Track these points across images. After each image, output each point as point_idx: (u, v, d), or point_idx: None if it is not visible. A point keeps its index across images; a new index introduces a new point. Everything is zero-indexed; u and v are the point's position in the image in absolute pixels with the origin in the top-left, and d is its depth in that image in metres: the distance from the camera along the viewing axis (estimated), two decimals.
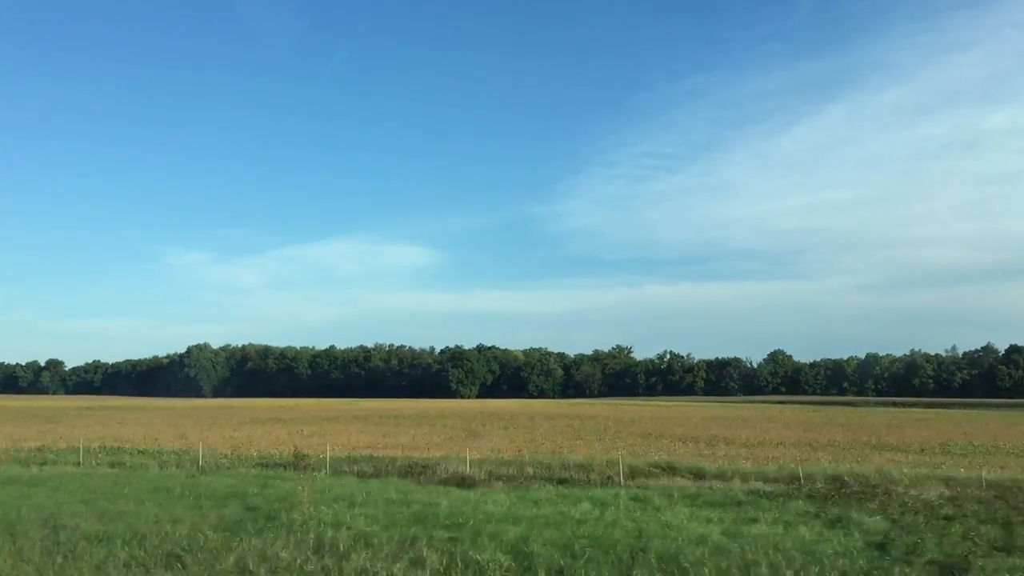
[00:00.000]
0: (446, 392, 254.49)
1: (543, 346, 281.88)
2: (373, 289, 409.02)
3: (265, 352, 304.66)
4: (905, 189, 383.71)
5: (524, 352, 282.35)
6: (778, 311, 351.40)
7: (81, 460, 35.27)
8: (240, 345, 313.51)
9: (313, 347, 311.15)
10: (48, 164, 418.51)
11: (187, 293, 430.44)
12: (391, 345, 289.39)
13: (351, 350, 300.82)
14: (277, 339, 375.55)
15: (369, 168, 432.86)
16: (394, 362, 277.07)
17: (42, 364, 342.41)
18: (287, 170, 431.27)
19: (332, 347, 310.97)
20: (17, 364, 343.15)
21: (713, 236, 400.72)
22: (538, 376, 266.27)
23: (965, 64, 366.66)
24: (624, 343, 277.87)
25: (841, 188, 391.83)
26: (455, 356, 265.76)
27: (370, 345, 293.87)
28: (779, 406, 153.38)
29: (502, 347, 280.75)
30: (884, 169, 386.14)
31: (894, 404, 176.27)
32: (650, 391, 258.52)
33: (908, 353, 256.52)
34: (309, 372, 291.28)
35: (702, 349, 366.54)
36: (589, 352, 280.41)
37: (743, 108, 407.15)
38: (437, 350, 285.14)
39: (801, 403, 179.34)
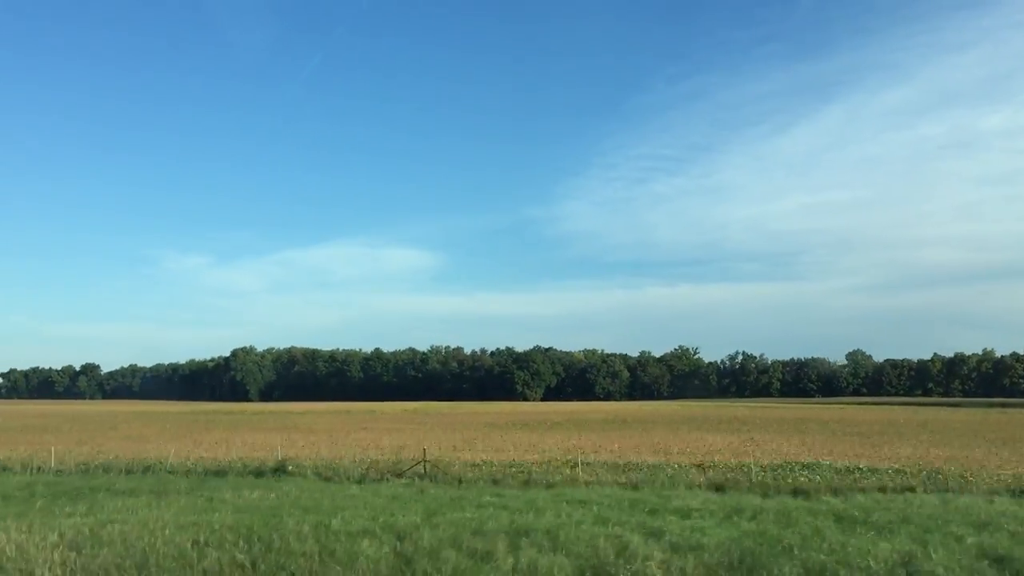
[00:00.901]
0: (510, 394, 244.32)
1: (552, 346, 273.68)
2: (372, 292, 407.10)
3: (313, 355, 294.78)
4: (904, 190, 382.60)
5: (585, 353, 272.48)
6: (777, 312, 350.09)
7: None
8: (286, 348, 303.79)
9: (360, 349, 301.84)
10: (47, 169, 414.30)
11: (186, 297, 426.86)
12: (447, 347, 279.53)
13: (401, 352, 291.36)
14: (277, 342, 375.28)
15: (367, 172, 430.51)
16: (453, 364, 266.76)
17: (77, 368, 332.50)
18: (285, 174, 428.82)
19: (377, 349, 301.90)
20: (52, 369, 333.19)
21: (712, 238, 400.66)
22: (604, 378, 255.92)
23: (963, 65, 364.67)
24: (630, 344, 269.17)
25: (840, 189, 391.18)
26: (519, 358, 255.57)
27: (424, 348, 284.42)
28: (899, 408, 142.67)
29: (561, 349, 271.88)
30: (883, 170, 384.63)
31: (1003, 405, 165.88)
32: (723, 393, 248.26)
33: (984, 352, 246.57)
34: (361, 375, 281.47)
35: (710, 351, 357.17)
36: (622, 353, 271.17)
37: (742, 110, 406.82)
38: (489, 351, 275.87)
39: (915, 404, 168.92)
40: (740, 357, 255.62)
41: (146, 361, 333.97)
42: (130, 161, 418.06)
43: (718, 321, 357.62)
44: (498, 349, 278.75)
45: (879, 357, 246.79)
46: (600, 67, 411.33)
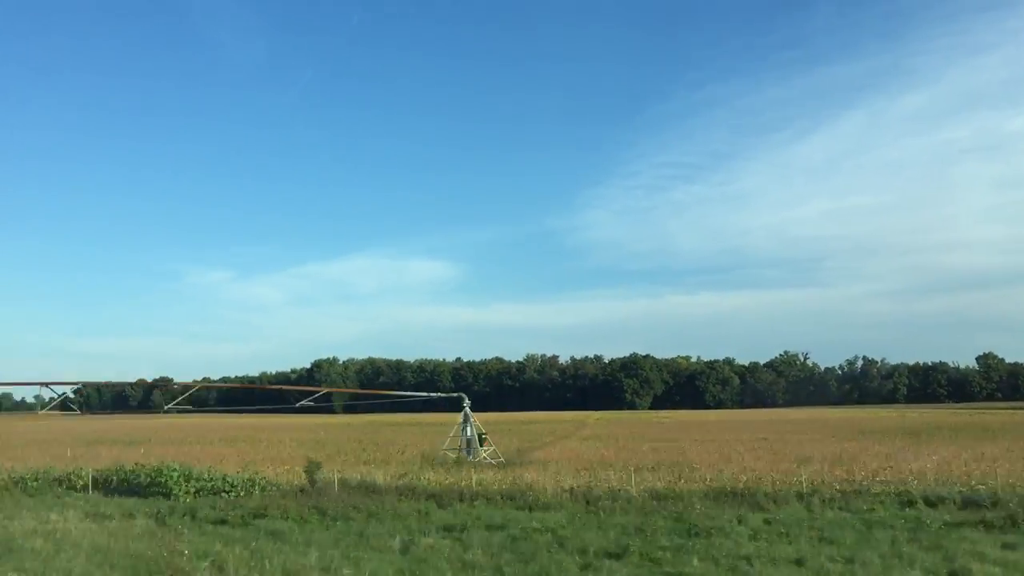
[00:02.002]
0: (618, 403, 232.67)
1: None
2: (393, 304, 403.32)
3: (398, 365, 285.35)
4: (927, 194, 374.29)
5: (691, 360, 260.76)
6: (800, 318, 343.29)
7: None
8: (367, 358, 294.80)
9: (444, 359, 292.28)
10: (70, 184, 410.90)
11: (209, 312, 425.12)
12: (543, 355, 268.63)
13: (489, 362, 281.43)
14: (300, 354, 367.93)
15: (388, 184, 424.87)
16: (554, 373, 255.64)
17: (149, 381, 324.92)
18: (306, 188, 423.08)
19: (459, 359, 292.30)
20: (124, 383, 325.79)
21: (733, 245, 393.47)
22: (714, 385, 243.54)
23: (986, 67, 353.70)
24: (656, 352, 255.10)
25: (862, 194, 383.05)
26: (626, 365, 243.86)
27: (518, 358, 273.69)
28: None
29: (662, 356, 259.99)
30: (905, 174, 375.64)
31: None
32: (844, 400, 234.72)
33: None
34: (452, 385, 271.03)
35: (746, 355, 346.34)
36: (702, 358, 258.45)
37: (762, 116, 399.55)
38: (588, 358, 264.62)
39: None
40: (860, 362, 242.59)
41: (180, 375, 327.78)
42: (153, 177, 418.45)
43: (741, 328, 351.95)
44: (594, 356, 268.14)
45: (904, 361, 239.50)
46: (620, 76, 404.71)
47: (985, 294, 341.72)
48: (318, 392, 53.85)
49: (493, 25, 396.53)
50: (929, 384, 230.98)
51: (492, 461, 41.05)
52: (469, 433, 43.11)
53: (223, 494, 27.33)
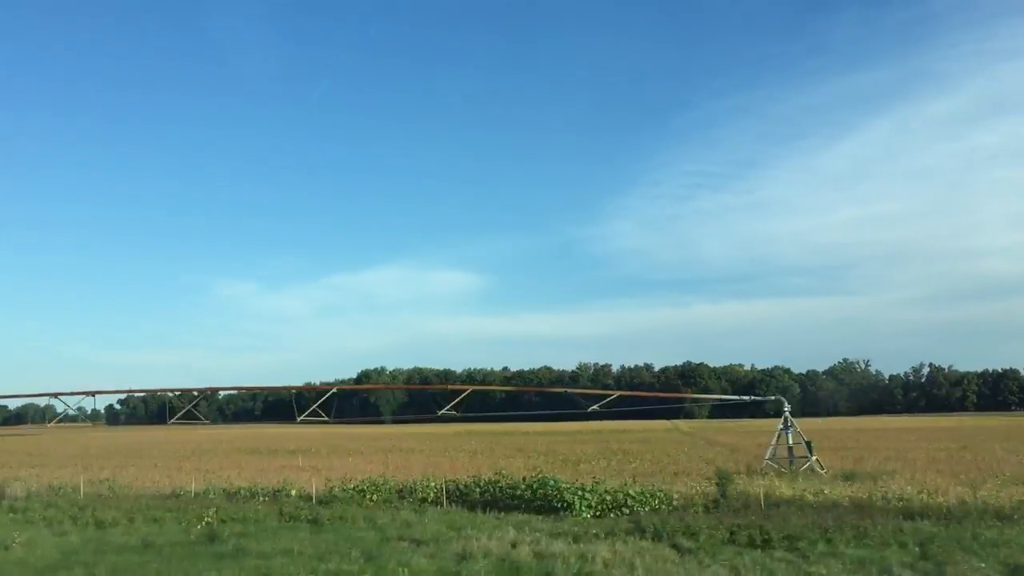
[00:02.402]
0: (677, 412, 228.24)
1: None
2: (419, 315, 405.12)
3: (446, 375, 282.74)
4: (956, 200, 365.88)
5: (743, 367, 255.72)
6: (828, 327, 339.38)
7: None
8: (415, 367, 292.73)
9: (492, 368, 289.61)
10: (97, 197, 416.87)
11: (236, 323, 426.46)
12: (596, 364, 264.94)
13: (537, 371, 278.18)
14: (326, 364, 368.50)
15: (414, 195, 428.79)
16: (608, 381, 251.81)
17: (195, 393, 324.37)
18: (333, 199, 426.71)
19: (506, 368, 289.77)
20: (171, 394, 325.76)
21: (759, 253, 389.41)
22: (774, 392, 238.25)
23: (1013, 73, 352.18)
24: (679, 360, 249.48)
25: (890, 201, 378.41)
26: (684, 373, 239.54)
27: (567, 366, 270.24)
28: None
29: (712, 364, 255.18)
30: (934, 181, 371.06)
31: None
32: (910, 408, 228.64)
33: None
34: (503, 394, 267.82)
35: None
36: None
37: (788, 123, 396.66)
38: (643, 366, 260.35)
39: None
40: (926, 369, 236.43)
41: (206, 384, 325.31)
42: (178, 190, 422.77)
43: (767, 336, 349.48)
44: (644, 364, 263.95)
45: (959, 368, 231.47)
46: (644, 85, 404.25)
47: (1016, 301, 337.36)
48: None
49: (516, 36, 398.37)
50: (1000, 391, 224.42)
51: (822, 471, 37.36)
52: (791, 440, 39.94)
53: (622, 509, 24.13)
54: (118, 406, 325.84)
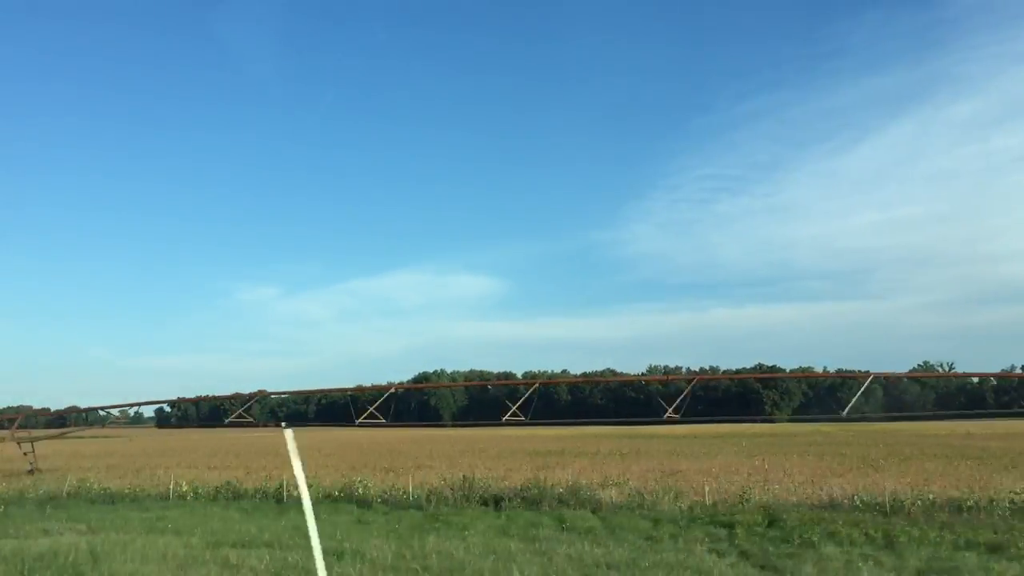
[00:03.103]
0: (758, 414, 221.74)
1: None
2: (437, 319, 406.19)
3: (507, 378, 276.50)
4: (979, 203, 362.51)
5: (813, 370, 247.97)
6: (850, 331, 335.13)
7: None
8: (475, 370, 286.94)
9: (549, 371, 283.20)
10: (120, 203, 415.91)
11: (258, 328, 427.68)
12: (665, 366, 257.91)
13: (599, 373, 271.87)
14: (346, 369, 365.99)
15: (430, 200, 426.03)
16: (682, 384, 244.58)
17: (246, 395, 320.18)
18: (351, 205, 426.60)
19: (565, 372, 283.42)
20: (221, 396, 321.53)
21: (779, 257, 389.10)
22: (857, 395, 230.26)
23: None
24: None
25: (912, 204, 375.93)
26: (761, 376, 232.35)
27: (638, 369, 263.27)
28: None
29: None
30: (956, 184, 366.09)
31: None
32: (1004, 410, 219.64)
33: None
34: (569, 397, 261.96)
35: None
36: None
37: (808, 127, 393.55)
38: (721, 369, 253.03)
39: None
40: (1020, 371, 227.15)
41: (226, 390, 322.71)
42: (205, 197, 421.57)
43: (786, 339, 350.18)
44: (709, 367, 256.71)
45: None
46: (662, 89, 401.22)
47: None
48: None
49: (533, 40, 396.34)
50: None
51: None
52: None
53: None
54: (168, 409, 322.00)
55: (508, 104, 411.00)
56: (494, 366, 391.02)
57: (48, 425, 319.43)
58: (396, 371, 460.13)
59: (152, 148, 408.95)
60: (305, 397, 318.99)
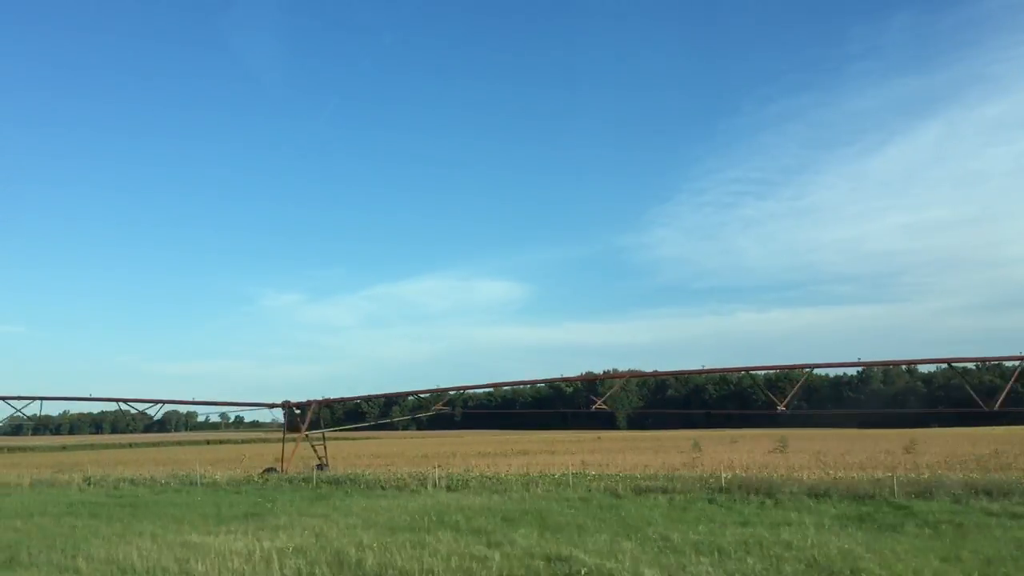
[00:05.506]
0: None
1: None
2: (463, 325, 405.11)
3: (687, 378, 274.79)
4: (1008, 205, 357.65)
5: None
6: (876, 334, 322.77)
7: None
8: (649, 370, 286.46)
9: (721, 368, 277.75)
10: (148, 214, 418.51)
11: (283, 334, 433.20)
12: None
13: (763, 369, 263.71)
14: (373, 374, 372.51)
15: (457, 206, 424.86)
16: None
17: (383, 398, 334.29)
18: (375, 212, 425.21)
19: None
20: (358, 398, 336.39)
21: (805, 261, 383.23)
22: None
23: None
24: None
25: (940, 207, 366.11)
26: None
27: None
28: None
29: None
30: (985, 186, 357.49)
31: None
32: None
33: None
34: (714, 396, 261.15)
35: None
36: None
37: (834, 129, 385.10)
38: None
39: None
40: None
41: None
42: (232, 206, 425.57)
43: (815, 344, 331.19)
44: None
45: None
46: (688, 93, 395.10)
47: None
48: None
49: (557, 46, 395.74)
50: None
51: None
52: None
53: None
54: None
55: (531, 111, 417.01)
56: (518, 373, 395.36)
57: (146, 430, 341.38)
58: (423, 377, 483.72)
59: (179, 157, 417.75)
60: (450, 402, 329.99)
